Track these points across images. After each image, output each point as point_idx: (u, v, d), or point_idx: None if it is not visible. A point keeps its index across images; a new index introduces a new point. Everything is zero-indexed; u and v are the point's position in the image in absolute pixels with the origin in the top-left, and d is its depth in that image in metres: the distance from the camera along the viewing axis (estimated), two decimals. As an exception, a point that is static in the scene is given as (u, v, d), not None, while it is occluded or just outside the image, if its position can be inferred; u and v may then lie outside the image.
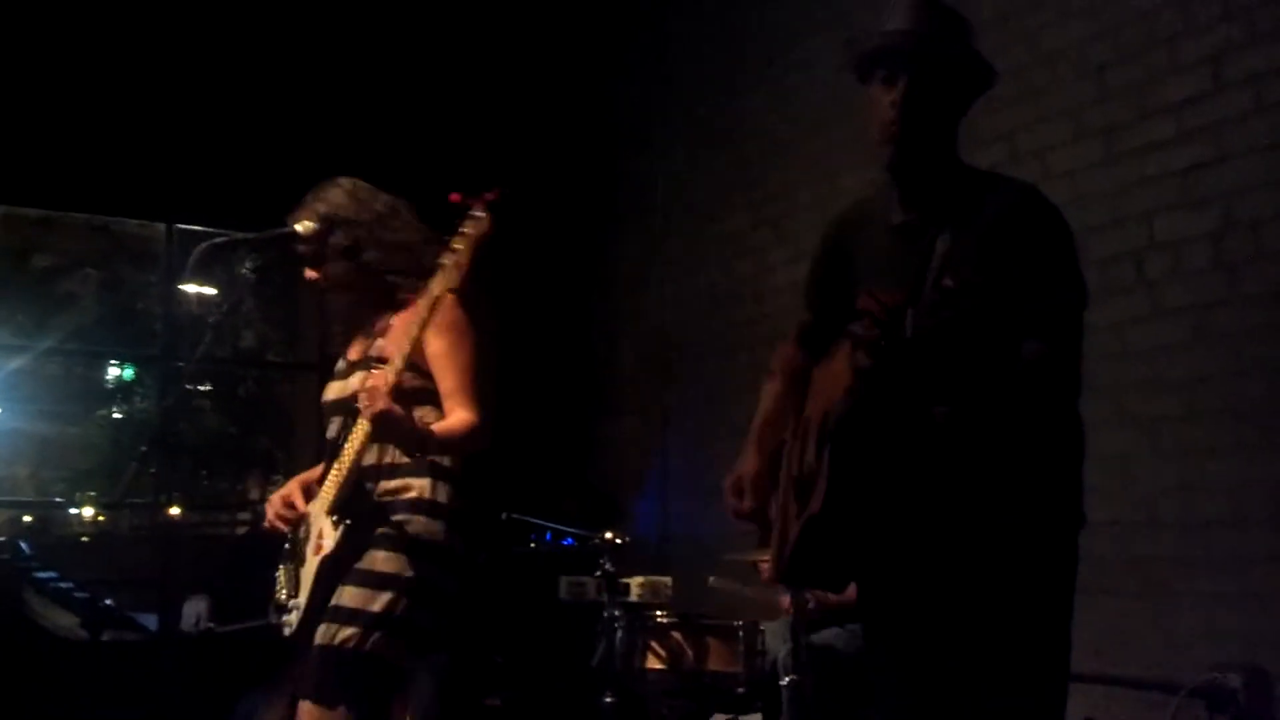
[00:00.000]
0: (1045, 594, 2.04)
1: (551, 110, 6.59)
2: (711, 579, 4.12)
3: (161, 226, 6.03)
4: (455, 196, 2.57)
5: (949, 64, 2.08)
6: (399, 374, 2.40)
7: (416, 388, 2.54)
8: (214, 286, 10.08)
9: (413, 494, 2.53)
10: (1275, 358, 3.41)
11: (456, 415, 2.51)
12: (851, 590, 2.39)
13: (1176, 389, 3.66)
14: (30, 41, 5.36)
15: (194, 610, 4.45)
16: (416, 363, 2.53)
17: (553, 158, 6.59)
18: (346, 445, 2.48)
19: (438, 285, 2.40)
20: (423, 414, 2.55)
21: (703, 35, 6.01)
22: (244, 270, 2.78)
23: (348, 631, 2.43)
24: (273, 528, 2.63)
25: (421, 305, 2.43)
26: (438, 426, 2.50)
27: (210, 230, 4.93)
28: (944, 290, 1.87)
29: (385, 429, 2.42)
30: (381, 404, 2.36)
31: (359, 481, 2.50)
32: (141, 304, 13.61)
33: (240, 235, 2.78)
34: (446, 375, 2.54)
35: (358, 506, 2.48)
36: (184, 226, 5.89)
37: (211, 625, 4.41)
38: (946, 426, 1.98)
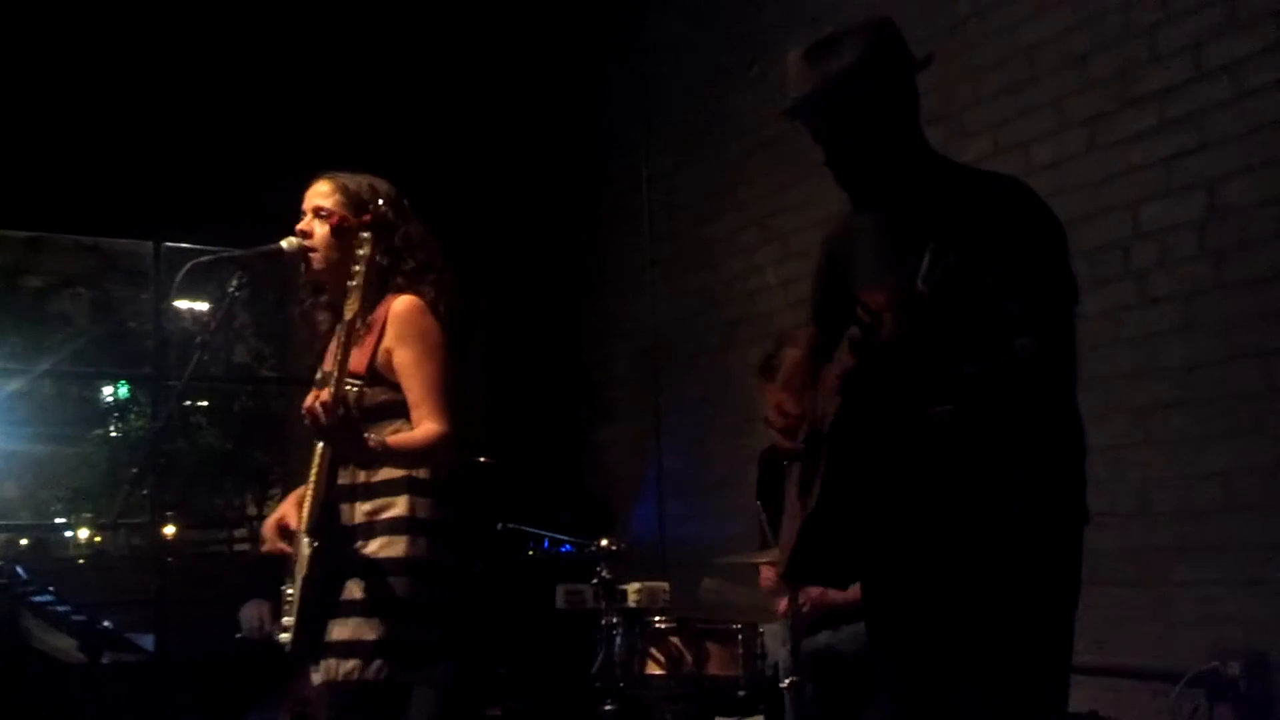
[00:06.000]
0: (1048, 593, 2.03)
1: (536, 114, 6.60)
2: (705, 581, 4.11)
3: (150, 245, 6.03)
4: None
5: (851, 104, 2.05)
6: (339, 388, 2.34)
7: (384, 402, 2.51)
8: (206, 303, 10.07)
9: (390, 513, 2.50)
10: (1264, 343, 3.41)
11: (422, 426, 2.47)
12: (851, 590, 2.40)
13: (1167, 378, 3.66)
14: (17, 63, 5.35)
15: (255, 614, 4.32)
16: (384, 375, 2.51)
17: (538, 162, 6.60)
18: (314, 465, 2.45)
19: (349, 309, 2.40)
20: (396, 427, 2.51)
21: (686, 36, 6.01)
22: (231, 287, 2.77)
23: (348, 665, 2.42)
24: (276, 551, 2.60)
25: (344, 328, 2.41)
26: (395, 438, 2.46)
27: (199, 248, 4.93)
28: (918, 293, 1.87)
29: (333, 444, 2.39)
30: (324, 420, 2.30)
31: (328, 502, 2.47)
32: (134, 322, 13.60)
33: (228, 252, 2.78)
34: (413, 386, 2.50)
35: (328, 528, 2.45)
36: (172, 244, 5.88)
37: (275, 629, 4.30)
38: (945, 425, 1.97)
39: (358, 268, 2.42)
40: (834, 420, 2.00)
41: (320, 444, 2.44)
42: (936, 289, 1.86)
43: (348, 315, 2.40)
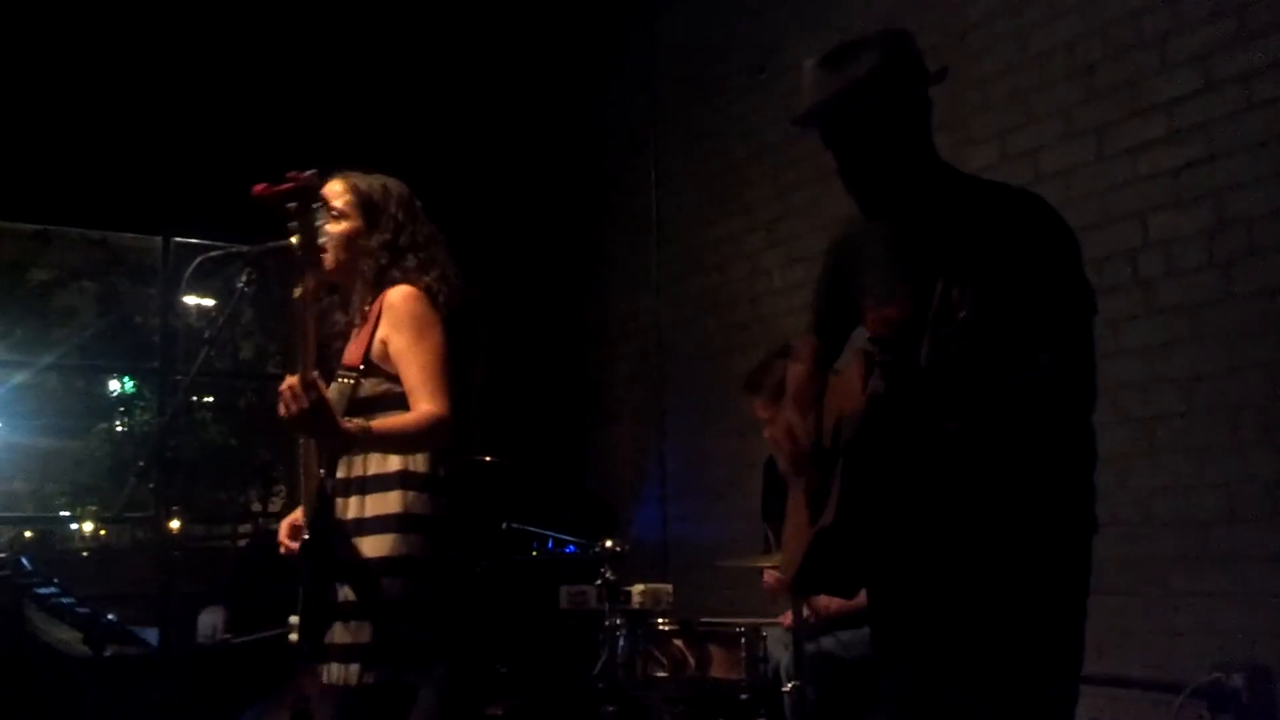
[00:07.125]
0: (1058, 601, 2.03)
1: (543, 115, 6.61)
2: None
3: (158, 240, 6.03)
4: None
5: (865, 113, 2.05)
6: (306, 373, 2.21)
7: (381, 393, 2.45)
8: (213, 298, 10.09)
9: (381, 510, 2.43)
10: (1270, 355, 3.41)
11: (416, 409, 2.38)
12: (855, 597, 2.39)
13: (1173, 388, 3.66)
14: (25, 56, 5.36)
15: (210, 621, 4.36)
16: (380, 366, 2.46)
17: (545, 163, 6.61)
18: (304, 458, 2.40)
19: (299, 290, 2.30)
20: (394, 418, 2.42)
21: (693, 39, 6.02)
22: (240, 283, 2.76)
23: (348, 669, 2.39)
24: (288, 551, 2.54)
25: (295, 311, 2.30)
26: (382, 421, 2.36)
27: (207, 243, 4.93)
28: (959, 321, 1.87)
29: (304, 432, 2.27)
30: (291, 407, 2.18)
31: (321, 496, 2.42)
32: (140, 317, 13.64)
33: (236, 248, 2.78)
34: (409, 371, 2.41)
35: (323, 523, 2.42)
36: (181, 239, 5.88)
37: (228, 636, 4.31)
38: (959, 440, 1.98)
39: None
40: (854, 437, 1.99)
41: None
42: (972, 315, 1.86)
43: (295, 294, 2.28)
